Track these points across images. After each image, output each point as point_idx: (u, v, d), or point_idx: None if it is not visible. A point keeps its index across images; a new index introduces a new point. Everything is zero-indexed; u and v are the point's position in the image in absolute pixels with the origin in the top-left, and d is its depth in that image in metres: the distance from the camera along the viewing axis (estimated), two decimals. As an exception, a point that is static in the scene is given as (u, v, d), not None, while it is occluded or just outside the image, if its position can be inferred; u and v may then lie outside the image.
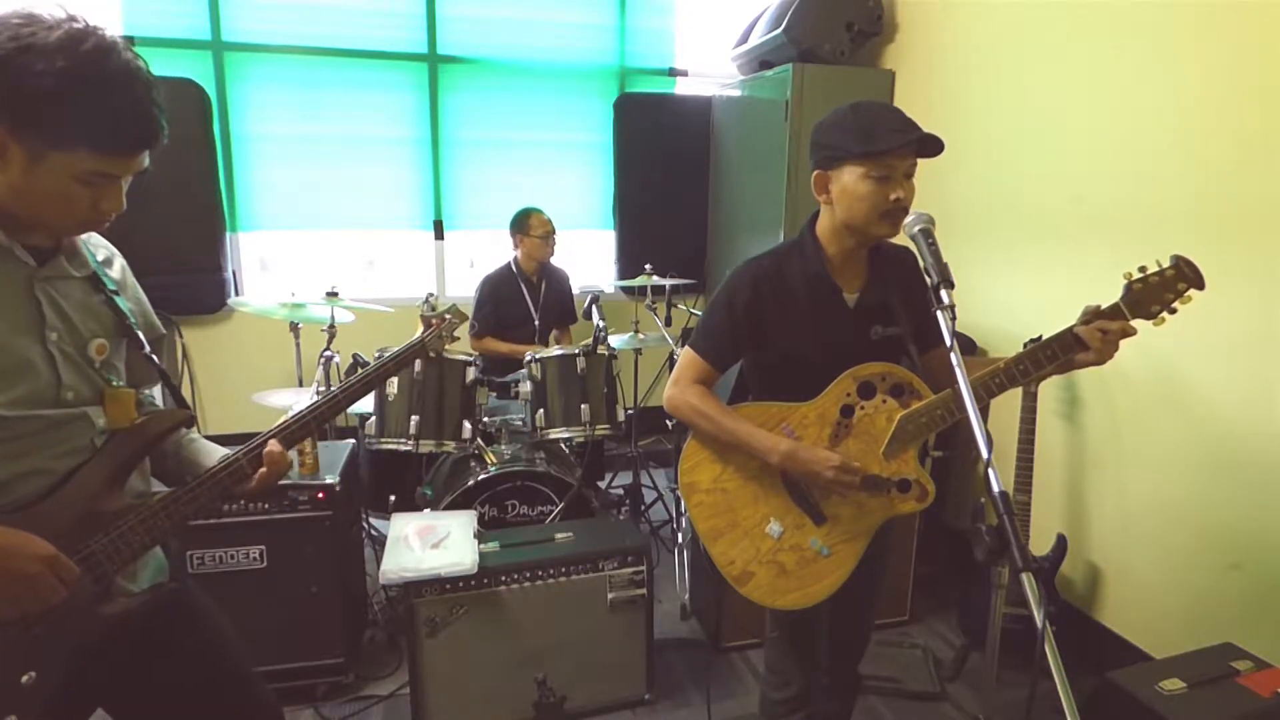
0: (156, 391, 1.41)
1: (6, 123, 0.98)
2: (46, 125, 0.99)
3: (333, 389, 1.38)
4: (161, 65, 1.09)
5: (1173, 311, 1.38)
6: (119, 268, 1.27)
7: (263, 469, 1.24)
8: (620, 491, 3.71)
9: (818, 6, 3.57)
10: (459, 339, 1.66)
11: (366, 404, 2.99)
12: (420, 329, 1.60)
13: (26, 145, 0.99)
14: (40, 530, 1.05)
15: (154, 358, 1.25)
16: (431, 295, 1.79)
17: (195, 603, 1.32)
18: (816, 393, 1.53)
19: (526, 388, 2.94)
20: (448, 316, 1.62)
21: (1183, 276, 1.37)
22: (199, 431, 1.37)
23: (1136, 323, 1.39)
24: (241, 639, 1.37)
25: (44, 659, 1.08)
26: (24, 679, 1.06)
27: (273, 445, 1.25)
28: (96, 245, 1.24)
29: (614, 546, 2.30)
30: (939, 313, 1.22)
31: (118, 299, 1.20)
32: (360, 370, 1.47)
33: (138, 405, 1.28)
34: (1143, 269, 1.39)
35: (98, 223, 1.11)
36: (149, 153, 1.08)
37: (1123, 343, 1.40)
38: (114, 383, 1.17)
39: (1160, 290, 1.37)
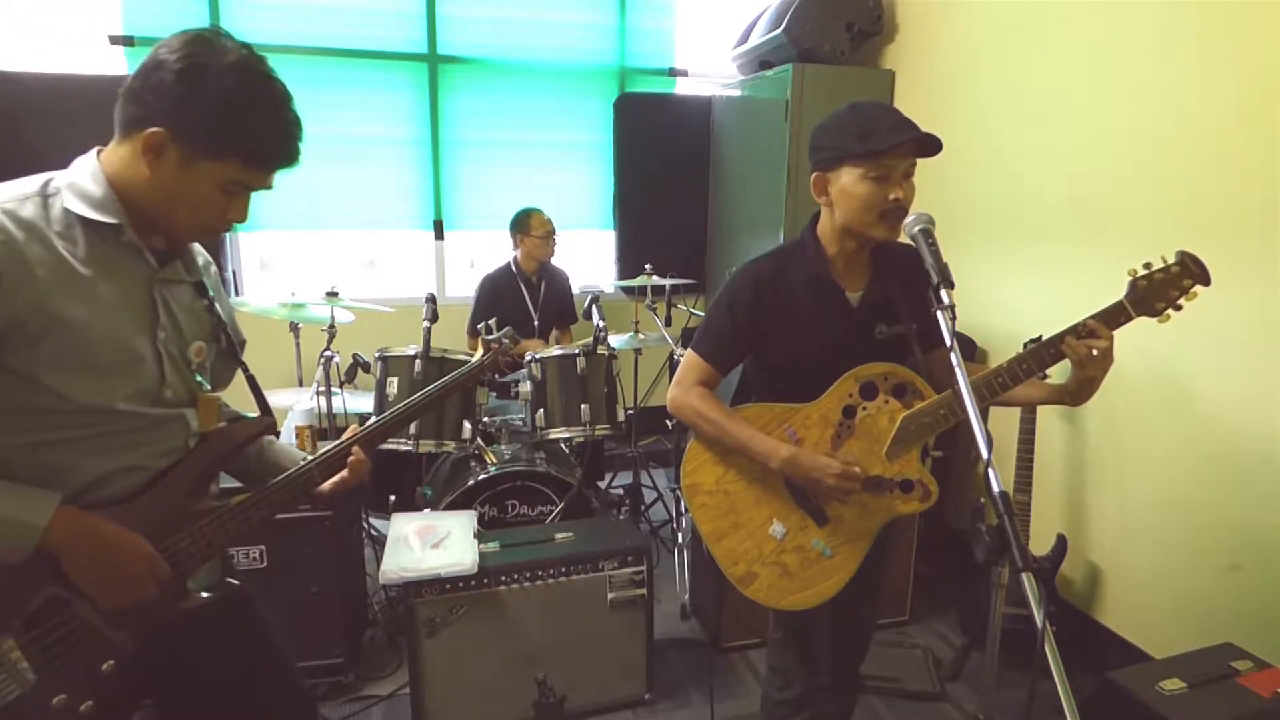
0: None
1: (171, 126, 1.05)
2: (208, 134, 1.06)
3: (398, 406, 1.47)
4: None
5: (1178, 308, 1.37)
6: (215, 275, 1.34)
7: (344, 473, 1.34)
8: (620, 491, 3.71)
9: (818, 6, 3.57)
10: (509, 358, 1.74)
11: (367, 404, 2.99)
12: (479, 352, 1.70)
13: (184, 149, 1.06)
14: (133, 525, 1.11)
15: (244, 364, 1.33)
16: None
17: (249, 599, 1.37)
18: (819, 393, 1.53)
19: (526, 388, 2.93)
20: (505, 341, 1.72)
21: (1188, 273, 1.36)
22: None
23: (1139, 320, 1.38)
24: (286, 634, 1.43)
25: (122, 648, 1.13)
26: (104, 666, 1.12)
27: (357, 452, 1.34)
28: (198, 252, 1.30)
29: (614, 546, 2.30)
30: (939, 313, 1.22)
31: (216, 304, 1.28)
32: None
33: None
34: (1148, 265, 1.38)
35: (221, 231, 1.19)
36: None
37: (1122, 343, 1.39)
38: (204, 387, 1.24)
39: (1165, 287, 1.36)
